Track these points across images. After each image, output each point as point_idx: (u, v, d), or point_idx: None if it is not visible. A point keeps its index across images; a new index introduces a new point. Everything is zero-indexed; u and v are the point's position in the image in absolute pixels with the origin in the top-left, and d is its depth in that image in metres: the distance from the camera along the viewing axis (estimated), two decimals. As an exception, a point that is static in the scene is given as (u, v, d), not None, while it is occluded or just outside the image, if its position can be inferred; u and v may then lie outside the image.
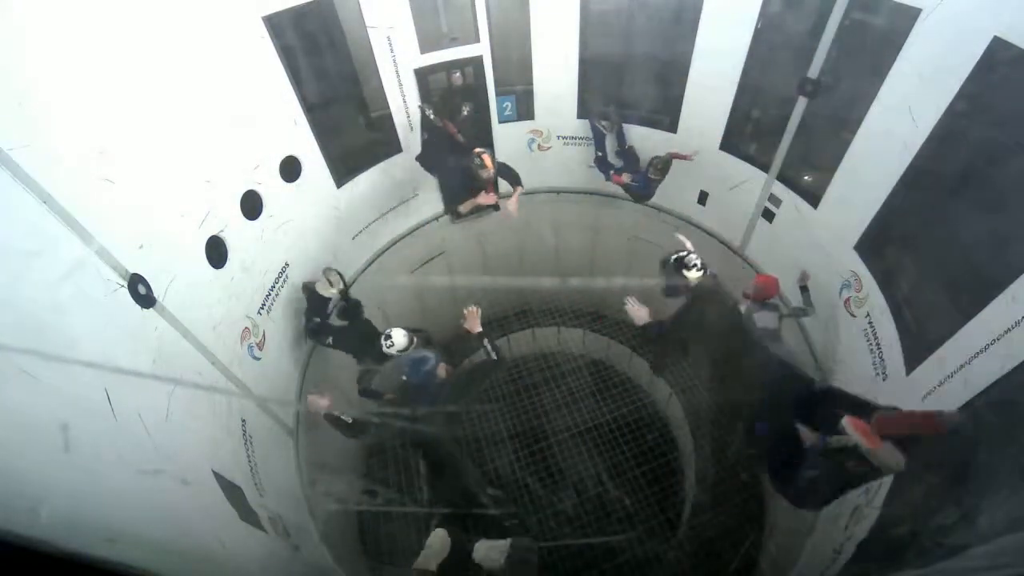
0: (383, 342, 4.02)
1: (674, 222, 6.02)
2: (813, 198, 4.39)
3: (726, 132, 4.99)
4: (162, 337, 2.76)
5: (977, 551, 1.89)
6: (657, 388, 6.61)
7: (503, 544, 2.81)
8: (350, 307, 4.65)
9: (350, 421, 3.44)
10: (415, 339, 4.04)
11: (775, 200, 4.83)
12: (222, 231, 3.48)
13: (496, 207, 5.07)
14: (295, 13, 3.94)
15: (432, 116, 4.99)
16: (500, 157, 5.33)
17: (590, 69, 5.40)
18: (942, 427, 2.46)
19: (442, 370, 3.58)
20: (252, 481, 3.30)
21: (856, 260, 3.98)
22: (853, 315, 4.04)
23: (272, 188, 4.04)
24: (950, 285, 3.19)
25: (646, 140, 5.56)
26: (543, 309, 7.57)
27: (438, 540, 2.71)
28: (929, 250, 3.47)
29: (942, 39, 3.08)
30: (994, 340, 2.62)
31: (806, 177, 4.56)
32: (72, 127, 2.37)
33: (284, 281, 4.31)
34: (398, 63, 4.78)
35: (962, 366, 2.83)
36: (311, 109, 4.30)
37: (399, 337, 3.98)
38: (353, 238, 5.30)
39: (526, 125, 5.84)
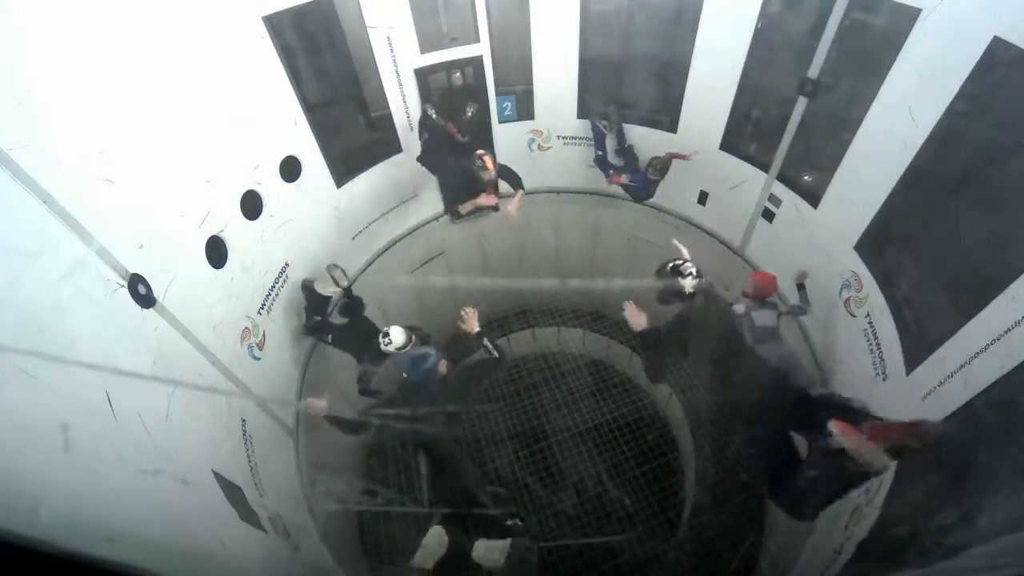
0: (381, 340, 4.02)
1: (674, 222, 6.02)
2: (813, 198, 4.39)
3: (726, 132, 4.99)
4: (162, 337, 2.76)
5: (977, 551, 1.89)
6: (657, 388, 6.61)
7: (502, 544, 2.82)
8: (352, 304, 4.65)
9: (349, 421, 3.45)
10: (413, 337, 4.05)
11: (775, 200, 4.83)
12: (222, 231, 3.48)
13: (496, 208, 5.06)
14: (295, 13, 3.94)
15: (434, 116, 4.99)
16: (500, 157, 5.33)
17: (590, 69, 5.40)
18: (926, 436, 2.56)
19: (443, 367, 3.58)
20: (252, 481, 3.30)
21: (856, 260, 3.98)
22: (853, 315, 4.04)
23: (272, 188, 4.04)
24: (950, 285, 3.20)
25: (646, 140, 5.56)
26: (543, 309, 7.57)
27: (434, 538, 2.71)
28: (929, 250, 3.47)
29: (942, 39, 3.08)
30: (994, 340, 2.62)
31: (806, 177, 4.56)
32: (72, 127, 2.37)
33: (284, 281, 4.31)
34: (398, 63, 4.78)
35: (962, 366, 2.83)
36: (311, 109, 4.30)
37: (397, 335, 3.98)
38: (353, 238, 5.30)
39: (526, 125, 5.84)
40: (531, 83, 5.50)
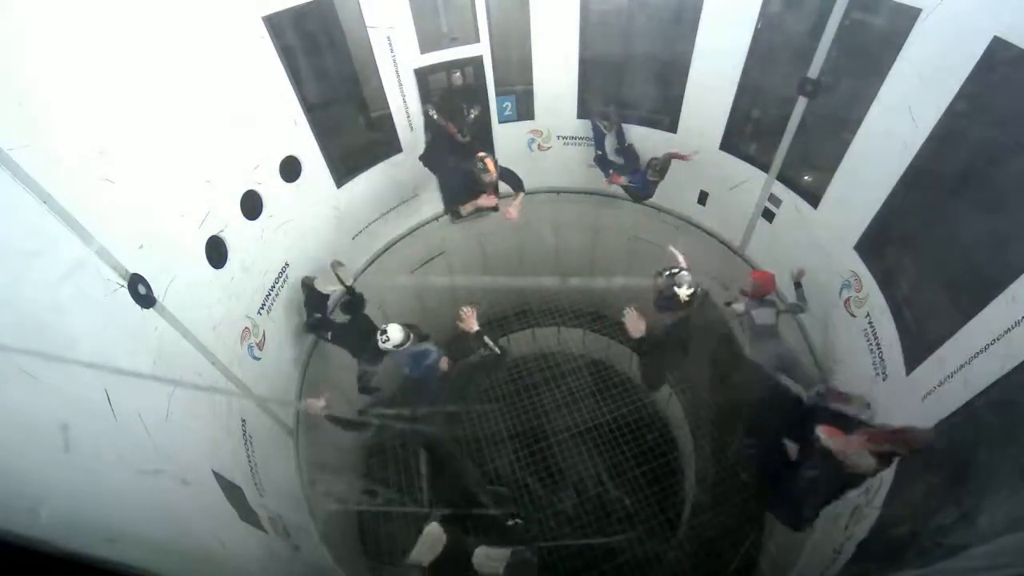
0: (379, 337, 4.02)
1: (674, 222, 6.02)
2: (813, 198, 4.39)
3: (726, 132, 4.99)
4: (162, 337, 2.76)
5: (977, 551, 1.89)
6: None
7: (502, 553, 2.81)
8: (354, 301, 4.65)
9: (349, 419, 3.45)
10: (411, 335, 4.05)
11: (775, 200, 4.83)
12: (222, 231, 3.48)
13: (496, 208, 5.07)
14: (295, 13, 3.94)
15: (436, 116, 5.00)
16: (500, 157, 5.32)
17: (590, 69, 5.40)
18: (914, 443, 2.62)
19: (443, 364, 3.57)
20: (252, 481, 3.30)
21: (856, 260, 3.98)
22: (853, 315, 4.04)
23: (272, 188, 4.04)
24: (950, 285, 3.20)
25: (646, 140, 5.55)
26: (543, 309, 7.57)
27: (431, 535, 2.70)
28: (929, 250, 3.47)
29: (942, 39, 3.08)
30: (994, 340, 2.63)
31: (806, 177, 4.56)
32: (72, 127, 2.37)
33: (284, 281, 4.31)
34: (398, 63, 4.78)
35: (962, 366, 2.83)
36: (311, 109, 4.30)
37: (395, 332, 3.99)
38: (353, 238, 5.30)
39: (526, 125, 5.83)
40: (531, 83, 5.50)
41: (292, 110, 4.14)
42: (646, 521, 5.68)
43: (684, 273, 3.47)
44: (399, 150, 5.29)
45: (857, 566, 2.98)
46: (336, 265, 4.50)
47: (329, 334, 4.47)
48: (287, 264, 4.34)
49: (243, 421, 3.46)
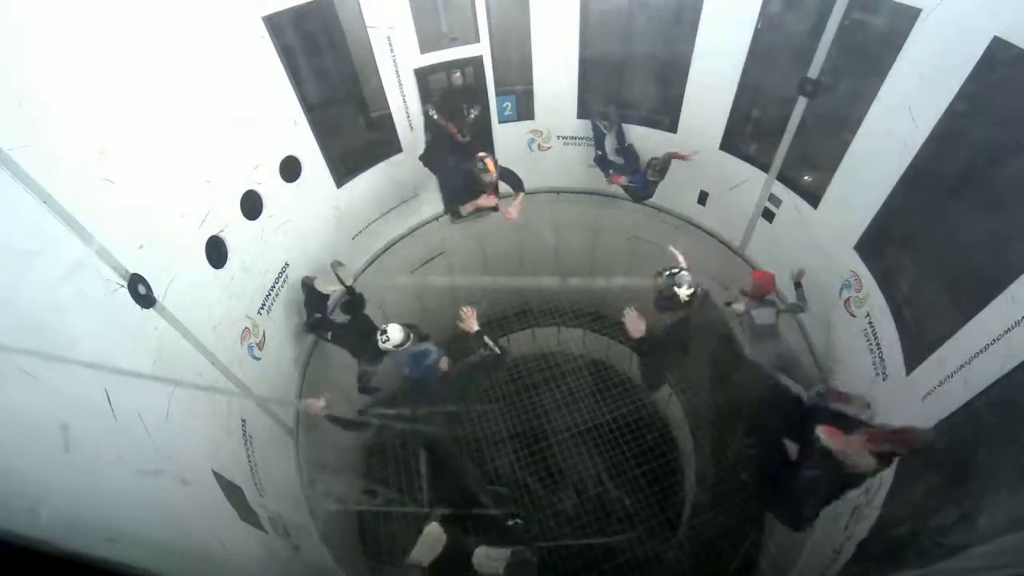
0: (379, 337, 4.02)
1: (674, 222, 6.02)
2: (813, 198, 4.39)
3: (726, 132, 4.99)
4: (162, 337, 2.76)
5: (977, 551, 1.89)
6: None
7: (502, 553, 2.81)
8: (354, 301, 4.66)
9: (349, 419, 3.45)
10: (411, 335, 4.05)
11: (775, 200, 4.83)
12: (222, 231, 3.48)
13: (496, 208, 5.07)
14: (295, 13, 3.94)
15: (436, 117, 5.00)
16: (500, 157, 5.32)
17: (590, 69, 5.40)
18: (913, 443, 2.63)
19: (443, 363, 3.57)
20: (252, 481, 3.30)
21: (856, 260, 3.98)
22: (853, 315, 4.04)
23: (272, 188, 4.04)
24: (950, 285, 3.20)
25: (646, 140, 5.55)
26: (543, 309, 7.57)
27: (431, 535, 2.70)
28: (929, 250, 3.47)
29: (942, 39, 3.08)
30: (994, 340, 2.62)
31: (806, 177, 4.56)
32: (72, 127, 2.37)
33: (284, 281, 4.31)
34: (398, 63, 4.78)
35: (962, 366, 2.83)
36: (311, 109, 4.30)
37: (395, 332, 3.98)
38: (353, 238, 5.30)
39: (526, 125, 5.83)
40: (531, 83, 5.50)
41: (292, 110, 4.14)
42: (646, 521, 5.68)
43: (684, 273, 3.47)
44: (399, 150, 5.29)
45: (857, 566, 2.98)
46: (336, 265, 4.50)
47: (329, 334, 4.47)
48: (287, 264, 4.34)
49: (243, 421, 3.46)
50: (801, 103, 4.22)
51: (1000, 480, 2.23)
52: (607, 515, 5.79)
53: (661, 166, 5.18)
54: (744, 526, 5.07)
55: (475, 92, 5.35)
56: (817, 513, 3.22)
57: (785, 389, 3.52)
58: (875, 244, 3.86)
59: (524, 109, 5.70)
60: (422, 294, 6.62)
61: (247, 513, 2.95)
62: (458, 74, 5.23)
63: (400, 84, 4.90)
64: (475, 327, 3.61)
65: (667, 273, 3.52)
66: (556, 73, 5.42)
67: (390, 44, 4.64)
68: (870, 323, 3.83)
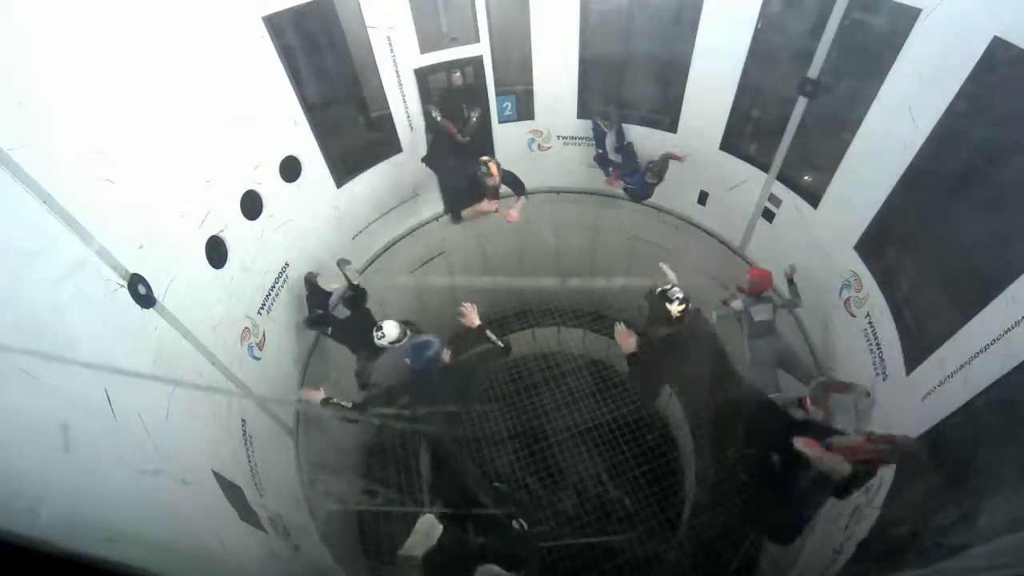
0: (374, 333, 4.01)
1: (674, 222, 6.02)
2: (813, 198, 4.39)
3: (726, 132, 4.99)
4: (162, 337, 2.76)
5: (977, 551, 1.89)
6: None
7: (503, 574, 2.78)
8: (357, 296, 4.66)
9: (349, 406, 3.44)
10: (408, 332, 4.04)
11: (775, 200, 4.83)
12: (222, 231, 3.48)
13: (497, 210, 5.08)
14: (295, 13, 3.94)
15: (439, 119, 5.00)
16: (500, 157, 5.32)
17: (590, 69, 5.40)
18: (899, 452, 2.74)
19: (446, 356, 3.56)
20: (252, 481, 3.30)
21: (856, 260, 3.98)
22: (853, 315, 4.04)
23: (272, 188, 4.04)
24: (950, 285, 3.20)
25: (646, 140, 5.55)
26: (543, 309, 7.57)
27: (425, 526, 2.68)
28: (929, 250, 3.47)
29: (942, 39, 3.08)
30: (994, 340, 2.62)
31: (806, 177, 4.57)
32: (72, 127, 2.37)
33: (284, 281, 4.31)
34: (398, 63, 4.78)
35: (962, 366, 2.83)
36: (311, 109, 4.30)
37: (390, 328, 3.97)
38: (353, 238, 5.30)
39: (526, 125, 5.84)
40: (531, 83, 5.50)
41: (292, 110, 4.14)
42: (646, 521, 5.68)
43: (675, 290, 3.52)
44: (399, 150, 5.29)
45: (857, 566, 2.99)
46: (343, 263, 4.51)
47: (329, 329, 4.48)
48: (287, 264, 4.34)
49: (243, 421, 3.46)
50: (801, 103, 4.23)
51: (1000, 480, 2.23)
52: (607, 515, 5.79)
53: (659, 169, 5.25)
54: (744, 526, 5.07)
55: (475, 92, 5.35)
56: (800, 529, 3.28)
57: (775, 406, 3.60)
58: (875, 244, 3.86)
59: (524, 109, 5.70)
60: (422, 294, 6.62)
61: (247, 513, 2.95)
62: (458, 74, 5.23)
63: (400, 84, 4.90)
64: (476, 322, 3.61)
65: (659, 290, 3.56)
66: (556, 73, 5.43)
67: (390, 44, 4.64)
68: (870, 323, 3.83)
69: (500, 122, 5.71)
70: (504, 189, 5.03)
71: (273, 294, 4.15)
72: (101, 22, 2.55)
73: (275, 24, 3.76)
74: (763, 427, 3.42)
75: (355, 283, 4.54)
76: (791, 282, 4.35)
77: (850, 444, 2.80)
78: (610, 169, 5.59)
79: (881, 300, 3.72)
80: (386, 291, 5.74)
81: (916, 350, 3.31)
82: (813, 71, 4.03)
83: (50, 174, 2.14)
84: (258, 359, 3.85)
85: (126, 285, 2.52)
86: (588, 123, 5.69)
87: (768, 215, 4.97)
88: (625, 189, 5.64)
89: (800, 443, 2.82)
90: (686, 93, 5.05)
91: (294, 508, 3.86)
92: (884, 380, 3.63)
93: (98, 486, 1.86)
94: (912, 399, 3.19)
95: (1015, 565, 1.58)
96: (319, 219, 4.74)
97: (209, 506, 2.65)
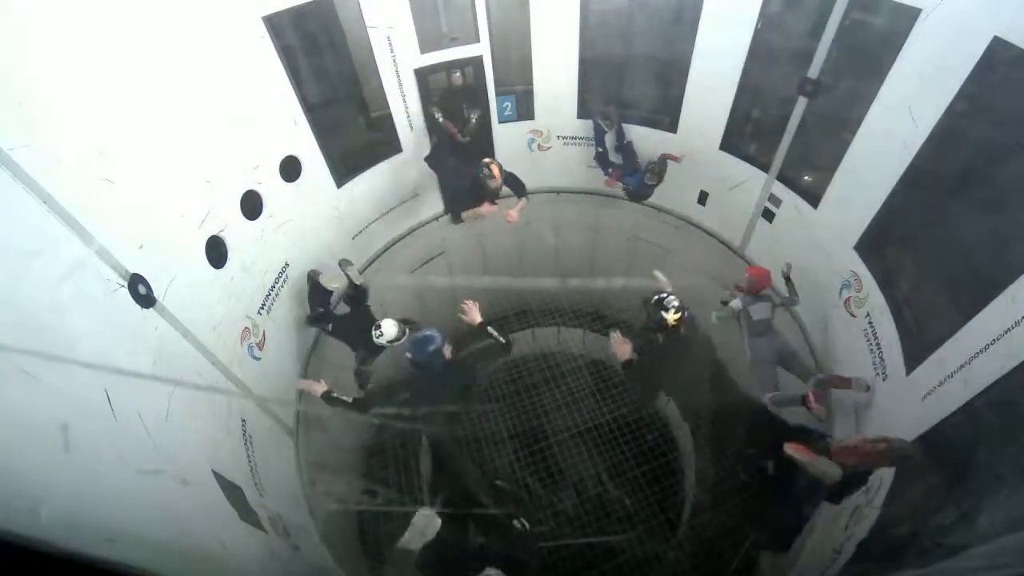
0: (373, 332, 4.00)
1: (674, 222, 6.02)
2: (813, 198, 4.39)
3: (726, 132, 4.99)
4: (162, 337, 2.76)
5: (977, 551, 1.88)
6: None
7: None
8: (358, 293, 4.66)
9: (350, 401, 3.43)
10: (406, 330, 4.03)
11: (775, 200, 4.83)
12: (222, 231, 3.48)
13: (497, 210, 5.09)
14: (295, 13, 3.94)
15: (442, 120, 5.01)
16: (500, 157, 5.33)
17: (590, 69, 5.40)
18: (894, 455, 2.77)
19: (447, 351, 3.55)
20: (252, 481, 3.30)
21: (856, 260, 3.98)
22: (853, 315, 4.04)
23: (272, 188, 4.04)
24: (950, 285, 3.19)
25: (646, 140, 5.56)
26: (543, 309, 7.56)
27: (422, 520, 2.65)
28: (929, 250, 3.47)
29: (942, 39, 3.08)
30: (994, 340, 2.62)
31: (806, 177, 4.57)
32: (72, 127, 2.37)
33: (284, 281, 4.31)
34: (398, 63, 4.78)
35: (962, 366, 2.82)
36: (311, 109, 4.30)
37: (389, 327, 3.96)
38: (353, 238, 5.30)
39: (526, 125, 5.84)
40: (531, 83, 5.50)
41: (292, 110, 4.14)
42: (646, 521, 5.67)
43: (671, 298, 3.54)
44: (399, 150, 5.29)
45: (857, 566, 2.98)
46: (345, 264, 4.52)
47: (330, 326, 4.48)
48: (287, 264, 4.35)
49: (243, 421, 3.46)
50: (801, 103, 4.22)
51: (1000, 480, 2.23)
52: (607, 515, 5.79)
53: (658, 170, 5.28)
54: (744, 526, 5.07)
55: (475, 92, 5.35)
56: (794, 536, 3.31)
57: (768, 412, 3.62)
58: (875, 244, 3.86)
59: (524, 109, 5.70)
60: (422, 294, 6.62)
61: (247, 513, 2.95)
62: (458, 74, 5.23)
63: (400, 84, 4.90)
64: (478, 319, 3.60)
65: (655, 299, 3.58)
66: (556, 73, 5.42)
67: (390, 44, 4.64)
68: (870, 323, 3.83)
69: (500, 122, 5.71)
70: (504, 189, 5.04)
71: (273, 294, 4.15)
72: (101, 22, 2.55)
73: (275, 24, 3.76)
74: (757, 434, 3.45)
75: (357, 283, 4.55)
76: (788, 280, 4.37)
77: (849, 444, 2.81)
78: (610, 169, 5.60)
79: (881, 300, 3.72)
80: (386, 291, 5.74)
81: (916, 350, 3.31)
82: (813, 71, 4.03)
83: (50, 174, 2.14)
84: (258, 359, 3.85)
85: (126, 285, 2.52)
86: (588, 123, 5.69)
87: (768, 215, 4.97)
88: (624, 189, 5.64)
89: (790, 448, 2.86)
90: (686, 93, 5.05)
91: (294, 508, 3.86)
92: (884, 380, 3.63)
93: (98, 486, 1.86)
94: (912, 399, 3.19)
95: (1015, 565, 1.58)
96: (319, 219, 4.74)
97: (209, 506, 2.65)
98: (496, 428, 6.30)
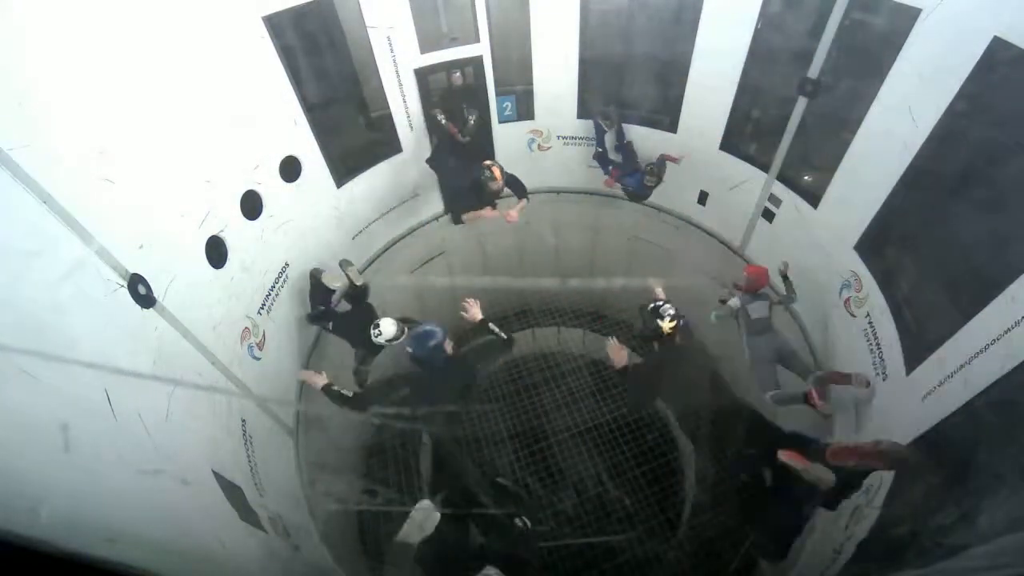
0: (372, 331, 4.00)
1: (674, 222, 6.02)
2: (813, 198, 4.39)
3: (726, 132, 4.99)
4: (162, 337, 2.76)
5: (977, 551, 1.89)
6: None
7: None
8: (359, 291, 4.67)
9: (350, 395, 3.43)
10: (405, 329, 4.03)
11: (775, 200, 4.83)
12: (222, 231, 3.48)
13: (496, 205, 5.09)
14: (295, 13, 3.94)
15: (444, 122, 5.01)
16: (500, 157, 5.33)
17: (590, 69, 5.40)
18: (890, 458, 2.79)
19: (448, 347, 3.53)
20: (252, 481, 3.30)
21: (856, 260, 3.98)
22: (853, 315, 4.04)
23: (272, 188, 4.04)
24: (950, 285, 3.19)
25: (646, 140, 5.56)
26: (543, 309, 7.57)
27: (421, 513, 2.65)
28: (929, 250, 3.47)
29: (942, 39, 3.08)
30: (994, 340, 2.62)
31: (806, 177, 4.57)
32: (72, 127, 2.37)
33: (284, 281, 4.31)
34: (398, 63, 4.78)
35: (962, 366, 2.82)
36: (311, 109, 4.30)
37: (388, 326, 3.96)
38: (353, 238, 5.30)
39: (526, 125, 5.84)
40: (531, 83, 5.50)
41: (292, 110, 4.14)
42: (646, 521, 5.67)
43: (667, 306, 3.56)
44: (399, 150, 5.29)
45: (857, 566, 2.98)
46: (345, 264, 4.52)
47: (330, 324, 4.49)
48: (287, 264, 4.35)
49: (243, 421, 3.46)
50: (801, 103, 4.23)
51: (1000, 480, 2.23)
52: (607, 515, 5.79)
53: (657, 171, 5.30)
54: (744, 526, 5.07)
55: (475, 92, 5.35)
56: (790, 542, 3.36)
57: (764, 420, 3.63)
58: (875, 244, 3.86)
59: (524, 109, 5.70)
60: (422, 294, 6.62)
61: (247, 513, 2.95)
62: (458, 74, 5.24)
63: (400, 84, 4.90)
64: (479, 316, 3.60)
65: (651, 307, 3.60)
66: (556, 73, 5.43)
67: (390, 44, 4.64)
68: (870, 323, 3.83)
69: (500, 122, 5.71)
70: (505, 190, 5.04)
71: (273, 294, 4.15)
72: (101, 22, 2.55)
73: (275, 24, 3.76)
74: (751, 441, 3.47)
75: (357, 284, 4.56)
76: (785, 278, 4.39)
77: (848, 444, 2.83)
78: (610, 168, 5.60)
79: (881, 300, 3.72)
80: (386, 291, 5.74)
81: (916, 350, 3.31)
82: (813, 71, 4.03)
83: (50, 174, 2.14)
84: (258, 359, 3.85)
85: (126, 285, 2.52)
86: (588, 123, 5.70)
87: (768, 215, 4.97)
88: (624, 189, 5.65)
89: (784, 455, 2.89)
90: (686, 93, 5.05)
91: (294, 508, 3.86)
92: (884, 380, 3.63)
93: (98, 486, 1.86)
94: (912, 399, 3.19)
95: (1015, 565, 1.58)
96: (319, 219, 4.74)
97: (209, 506, 2.65)
98: (496, 428, 6.30)
